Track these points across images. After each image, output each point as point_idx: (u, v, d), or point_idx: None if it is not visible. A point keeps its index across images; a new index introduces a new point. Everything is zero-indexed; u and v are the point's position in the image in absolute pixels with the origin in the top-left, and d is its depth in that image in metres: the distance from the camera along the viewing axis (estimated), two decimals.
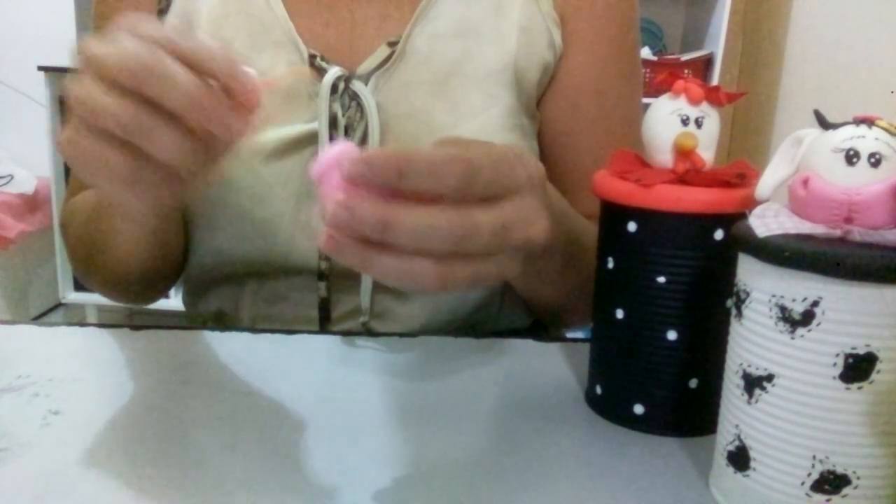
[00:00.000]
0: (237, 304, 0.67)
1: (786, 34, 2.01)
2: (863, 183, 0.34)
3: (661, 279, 0.44)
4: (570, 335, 0.67)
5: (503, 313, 0.68)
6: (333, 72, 0.60)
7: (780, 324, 0.35)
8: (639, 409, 0.46)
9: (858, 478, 0.34)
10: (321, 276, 0.63)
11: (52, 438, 0.44)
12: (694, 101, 0.44)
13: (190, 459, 0.42)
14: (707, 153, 0.44)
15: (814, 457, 0.35)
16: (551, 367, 0.55)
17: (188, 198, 0.44)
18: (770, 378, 0.35)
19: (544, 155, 0.68)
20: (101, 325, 0.60)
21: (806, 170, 0.36)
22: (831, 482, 0.35)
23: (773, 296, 0.35)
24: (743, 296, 0.37)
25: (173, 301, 1.05)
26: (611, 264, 0.46)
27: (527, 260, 0.41)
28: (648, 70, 2.01)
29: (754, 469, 0.37)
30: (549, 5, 0.65)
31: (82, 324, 0.61)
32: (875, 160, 0.34)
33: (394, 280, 0.37)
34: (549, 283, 0.59)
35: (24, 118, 2.33)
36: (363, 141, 0.61)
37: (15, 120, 2.42)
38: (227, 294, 0.67)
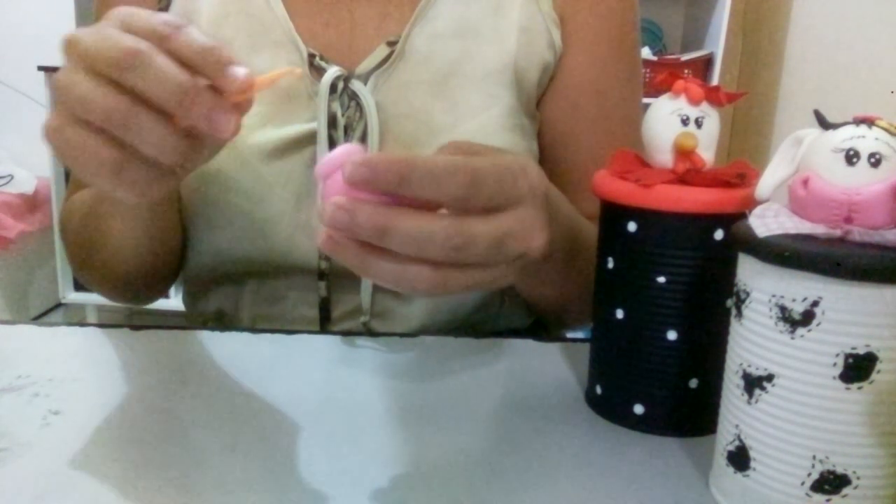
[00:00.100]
0: (237, 304, 0.67)
1: (786, 34, 2.01)
2: (863, 183, 0.34)
3: (661, 279, 0.44)
4: (570, 335, 0.67)
5: (503, 313, 0.68)
6: (333, 71, 0.60)
7: (780, 324, 0.35)
8: (639, 409, 0.46)
9: (858, 478, 0.34)
10: (321, 275, 0.63)
11: (52, 438, 0.43)
12: (694, 101, 0.44)
13: (190, 459, 0.42)
14: (707, 153, 0.44)
15: (814, 457, 0.35)
16: (551, 367, 0.55)
17: (175, 188, 0.43)
18: (770, 378, 0.35)
19: (544, 155, 0.68)
20: (101, 325, 0.60)
21: (806, 170, 0.36)
22: (831, 482, 0.35)
23: (773, 296, 0.35)
24: (743, 296, 0.37)
25: (173, 301, 1.05)
26: (611, 264, 0.46)
27: (525, 267, 0.41)
28: (648, 70, 2.01)
29: (754, 469, 0.37)
30: (548, 5, 0.65)
31: (82, 324, 0.61)
32: (875, 160, 0.34)
33: (390, 283, 0.37)
34: (550, 284, 0.59)
35: (24, 118, 2.32)
36: (362, 140, 0.61)
37: (15, 120, 2.42)
38: (226, 294, 0.67)
